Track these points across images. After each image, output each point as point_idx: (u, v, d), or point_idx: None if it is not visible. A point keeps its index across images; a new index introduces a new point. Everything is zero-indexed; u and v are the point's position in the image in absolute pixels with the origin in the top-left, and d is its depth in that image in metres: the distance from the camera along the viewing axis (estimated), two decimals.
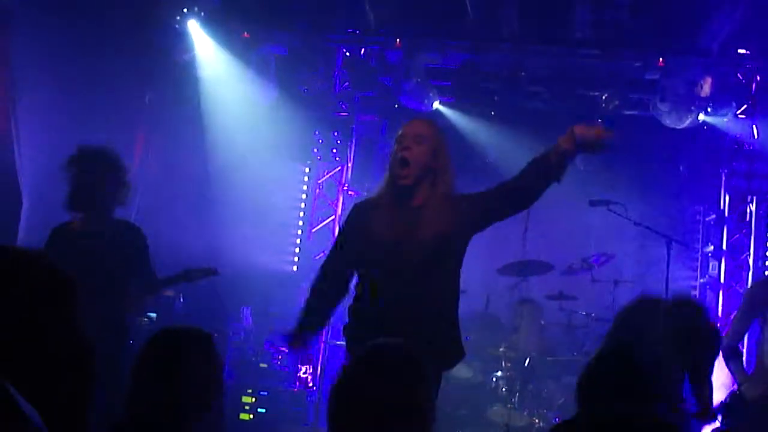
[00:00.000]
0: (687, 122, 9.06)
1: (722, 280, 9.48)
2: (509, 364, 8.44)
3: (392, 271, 4.47)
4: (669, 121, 9.10)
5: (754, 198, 9.32)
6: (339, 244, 4.84)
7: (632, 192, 9.53)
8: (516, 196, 4.67)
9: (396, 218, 4.53)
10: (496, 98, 9.55)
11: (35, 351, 1.82)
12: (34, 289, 1.89)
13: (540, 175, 4.64)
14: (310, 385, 9.06)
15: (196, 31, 8.96)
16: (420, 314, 4.44)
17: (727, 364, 6.30)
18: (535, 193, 4.67)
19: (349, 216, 4.84)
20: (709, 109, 9.02)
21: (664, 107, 9.03)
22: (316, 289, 4.81)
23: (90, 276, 5.05)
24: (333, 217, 10.42)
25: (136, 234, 5.70)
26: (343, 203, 10.26)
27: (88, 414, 1.92)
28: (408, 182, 4.53)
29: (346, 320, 4.75)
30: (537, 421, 8.11)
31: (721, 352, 6.34)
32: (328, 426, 2.55)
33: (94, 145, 5.66)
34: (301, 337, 4.77)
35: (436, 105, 9.72)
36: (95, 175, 5.55)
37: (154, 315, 7.82)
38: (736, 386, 6.16)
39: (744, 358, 6.39)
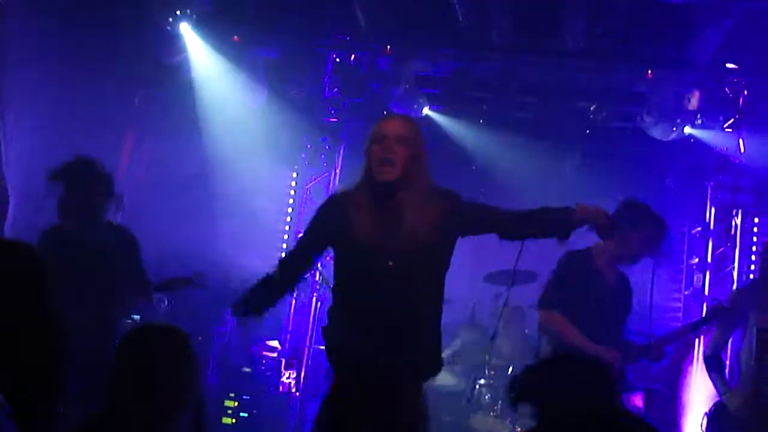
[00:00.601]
0: (674, 135, 9.11)
1: (706, 292, 9.51)
2: (493, 372, 8.45)
3: (373, 275, 4.29)
4: (656, 134, 9.14)
5: (740, 211, 9.36)
6: (309, 232, 4.61)
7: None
8: (511, 229, 4.65)
9: (377, 220, 4.33)
10: (485, 107, 9.57)
11: (4, 328, 1.82)
12: (7, 270, 1.89)
13: (549, 230, 4.65)
14: (293, 390, 9.05)
15: (186, 33, 8.94)
16: (400, 321, 4.27)
17: (709, 375, 6.33)
18: (527, 237, 4.66)
19: (325, 207, 4.59)
20: (696, 122, 9.08)
21: (651, 119, 9.07)
22: (268, 275, 4.66)
23: (81, 278, 5.06)
24: None
25: (128, 237, 5.72)
26: None
27: (55, 393, 1.91)
28: (390, 179, 4.30)
29: (325, 323, 4.58)
30: (519, 429, 8.12)
31: (704, 363, 6.39)
32: None
33: (78, 159, 5.64)
34: (240, 311, 4.70)
35: (426, 111, 9.73)
36: (81, 191, 5.55)
37: (138, 317, 7.80)
38: (719, 397, 6.19)
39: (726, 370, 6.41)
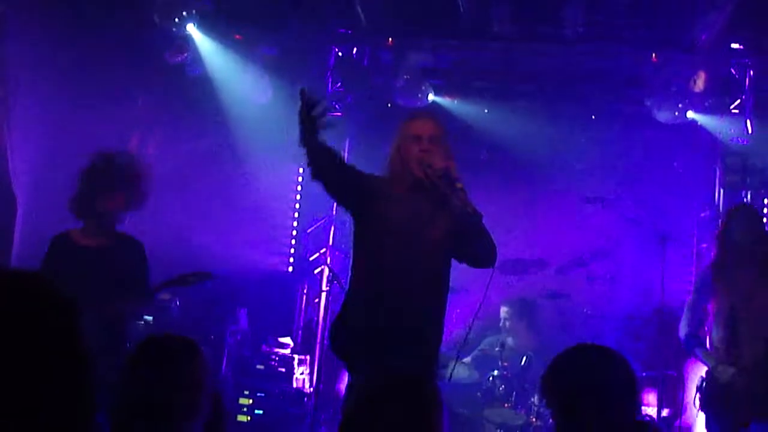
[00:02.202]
0: (680, 118, 9.07)
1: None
2: (506, 363, 8.43)
3: (405, 263, 4.64)
4: (662, 117, 9.10)
5: (749, 193, 9.31)
6: (362, 173, 4.87)
7: (626, 188, 9.54)
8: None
9: (413, 214, 4.71)
10: (488, 96, 9.56)
11: (42, 375, 1.81)
12: (38, 312, 1.87)
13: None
14: (307, 386, 9.05)
15: (189, 32, 8.93)
16: (425, 307, 4.71)
17: (693, 353, 6.31)
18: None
19: (372, 176, 4.89)
20: (704, 105, 9.03)
21: (657, 103, 9.03)
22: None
23: (88, 289, 5.07)
24: (327, 217, 10.39)
25: (136, 249, 5.72)
26: (337, 203, 10.21)
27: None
28: (432, 179, 4.68)
29: (339, 311, 4.89)
30: (535, 420, 8.11)
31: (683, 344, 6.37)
32: None
33: (108, 152, 5.68)
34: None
35: (432, 97, 9.71)
36: (104, 184, 5.57)
37: (150, 318, 7.81)
38: (708, 369, 6.16)
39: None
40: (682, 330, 6.46)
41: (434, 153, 4.74)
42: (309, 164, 4.69)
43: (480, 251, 4.79)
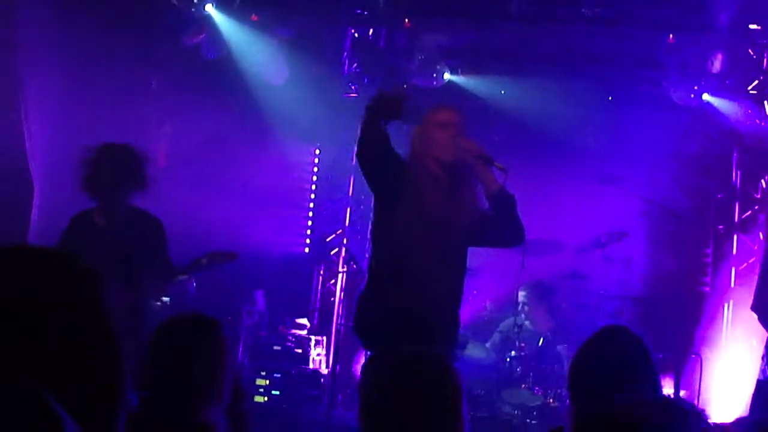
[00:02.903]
0: (696, 99, 9.04)
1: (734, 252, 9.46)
2: (523, 344, 8.44)
3: (434, 244, 4.81)
4: (679, 98, 9.07)
5: (767, 175, 9.28)
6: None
7: (643, 170, 9.51)
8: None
9: (443, 194, 4.86)
10: (505, 77, 9.54)
11: (76, 350, 1.83)
12: (73, 288, 1.89)
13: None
14: (324, 367, 9.09)
15: (206, 14, 8.94)
16: (450, 287, 4.92)
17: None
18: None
19: (404, 162, 4.97)
20: (720, 86, 8.99)
21: (673, 84, 9.01)
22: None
23: (110, 266, 5.11)
24: (343, 199, 10.40)
25: (155, 224, 5.77)
26: (353, 184, 10.24)
27: (122, 404, 1.92)
28: (456, 159, 4.84)
29: (363, 291, 5.03)
30: (552, 400, 8.13)
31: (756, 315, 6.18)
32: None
33: (116, 142, 5.73)
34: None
35: (447, 76, 9.69)
36: (114, 163, 5.60)
37: (167, 299, 7.84)
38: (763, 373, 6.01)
39: None
40: (755, 302, 6.24)
41: (461, 139, 4.90)
42: (363, 142, 4.85)
43: (513, 230, 4.93)
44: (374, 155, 4.83)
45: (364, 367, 4.93)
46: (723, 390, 8.55)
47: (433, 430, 2.62)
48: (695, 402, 7.65)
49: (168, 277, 5.95)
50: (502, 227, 4.91)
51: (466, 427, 2.67)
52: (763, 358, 6.08)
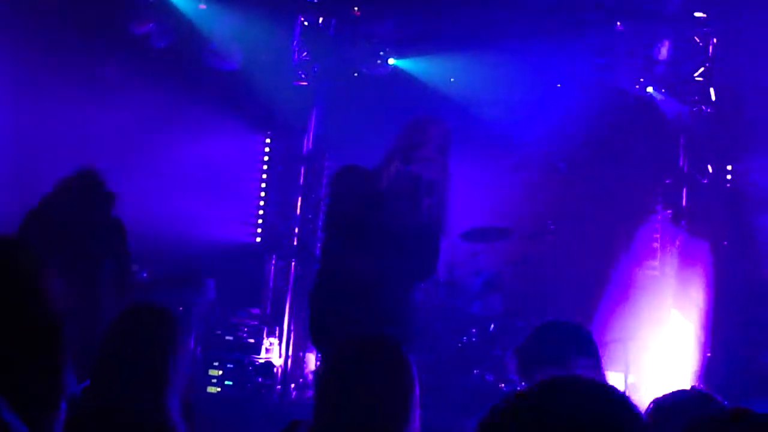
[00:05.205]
0: (645, 86, 9.14)
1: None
2: (474, 330, 8.49)
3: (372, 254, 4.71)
4: (626, 84, 9.17)
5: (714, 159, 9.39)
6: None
7: (591, 156, 9.60)
8: None
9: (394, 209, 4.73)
10: (453, 64, 9.59)
11: (15, 333, 1.81)
12: (15, 272, 1.87)
13: None
14: (277, 356, 9.07)
15: (157, 2, 8.87)
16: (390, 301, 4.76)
17: None
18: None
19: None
20: (667, 73, 9.10)
21: (621, 71, 9.10)
22: None
23: (65, 260, 5.07)
24: (294, 188, 10.36)
25: (113, 221, 5.77)
26: (304, 173, 10.21)
27: (63, 388, 1.91)
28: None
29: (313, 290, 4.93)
30: (503, 386, 8.20)
31: None
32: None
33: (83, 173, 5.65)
34: None
35: (392, 61, 9.72)
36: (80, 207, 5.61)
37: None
38: None
39: None
40: None
41: (437, 163, 4.77)
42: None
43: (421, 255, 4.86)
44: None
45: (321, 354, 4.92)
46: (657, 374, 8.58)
47: (387, 413, 2.63)
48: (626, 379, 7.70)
49: (126, 281, 5.96)
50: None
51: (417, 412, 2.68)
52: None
